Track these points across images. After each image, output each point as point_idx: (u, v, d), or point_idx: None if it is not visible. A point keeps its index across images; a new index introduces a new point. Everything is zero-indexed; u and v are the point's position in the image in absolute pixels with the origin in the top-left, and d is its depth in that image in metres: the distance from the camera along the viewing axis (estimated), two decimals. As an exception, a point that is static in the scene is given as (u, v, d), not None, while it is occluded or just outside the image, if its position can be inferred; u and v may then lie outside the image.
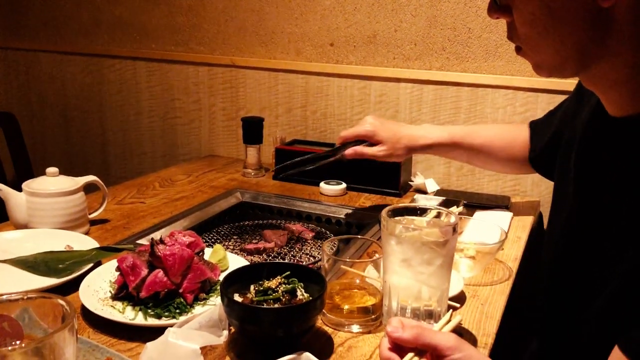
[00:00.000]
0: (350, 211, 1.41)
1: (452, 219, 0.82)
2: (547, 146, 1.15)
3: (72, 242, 1.11)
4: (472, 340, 0.85)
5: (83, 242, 1.11)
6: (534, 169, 1.24)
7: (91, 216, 1.25)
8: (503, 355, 0.98)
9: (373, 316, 0.88)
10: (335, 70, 1.69)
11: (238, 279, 0.85)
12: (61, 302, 0.59)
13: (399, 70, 1.62)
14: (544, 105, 1.49)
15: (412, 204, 0.87)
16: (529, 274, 1.18)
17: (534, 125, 1.24)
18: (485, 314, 0.93)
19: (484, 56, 1.54)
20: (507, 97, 1.53)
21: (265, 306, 0.79)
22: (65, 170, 1.23)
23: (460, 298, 0.96)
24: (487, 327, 0.89)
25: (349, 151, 1.26)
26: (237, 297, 0.83)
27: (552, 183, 1.40)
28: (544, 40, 0.74)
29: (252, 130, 1.63)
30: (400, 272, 0.81)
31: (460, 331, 0.88)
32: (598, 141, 0.86)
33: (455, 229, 0.80)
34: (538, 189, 1.54)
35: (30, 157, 2.14)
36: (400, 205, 0.86)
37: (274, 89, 1.79)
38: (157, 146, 2.02)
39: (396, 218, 0.85)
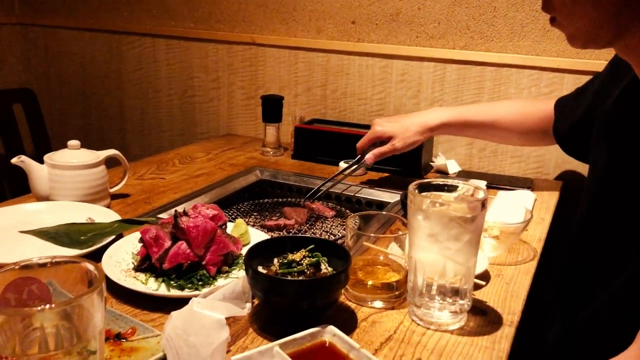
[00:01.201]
0: (370, 191, 1.40)
1: (481, 195, 0.80)
2: (578, 125, 1.12)
3: (93, 215, 1.11)
4: (497, 318, 0.84)
5: (105, 214, 1.11)
6: (562, 149, 1.22)
7: (112, 190, 1.25)
8: (528, 333, 0.97)
9: (397, 292, 0.87)
10: (356, 49, 1.67)
11: (261, 252, 0.84)
12: (89, 266, 0.59)
13: (422, 49, 1.59)
14: (569, 87, 1.46)
15: (439, 180, 0.85)
16: (553, 256, 1.16)
17: (562, 102, 1.22)
18: (511, 293, 0.91)
19: (509, 35, 1.50)
20: (532, 78, 1.50)
21: (289, 278, 0.79)
22: (84, 146, 1.23)
23: (484, 277, 0.95)
24: (512, 306, 0.88)
25: (369, 157, 1.35)
26: (260, 270, 0.82)
27: (576, 165, 1.39)
28: (578, 7, 0.72)
29: (272, 108, 1.62)
30: (427, 248, 0.80)
31: (485, 309, 0.87)
32: (633, 115, 0.85)
33: (484, 205, 0.78)
34: (561, 170, 1.51)
35: (49, 134, 2.15)
36: (426, 180, 0.84)
37: (293, 68, 1.77)
38: (176, 124, 2.02)
39: (423, 193, 0.83)
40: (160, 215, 1.18)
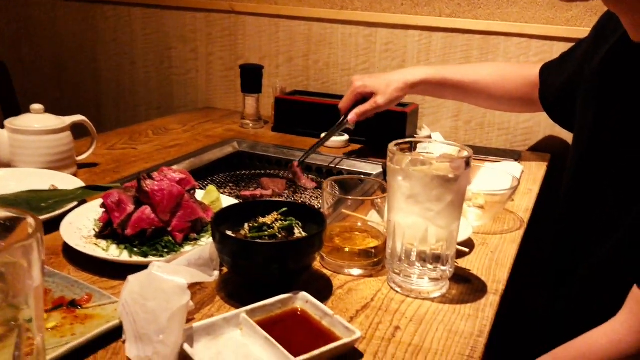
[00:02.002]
0: (352, 162, 1.34)
1: (465, 153, 0.75)
2: (564, 90, 1.08)
3: (57, 182, 1.04)
4: (481, 286, 0.79)
5: (69, 182, 1.05)
6: (549, 116, 1.17)
7: (79, 158, 1.18)
8: (516, 302, 0.93)
9: (375, 259, 0.82)
10: (339, 17, 1.60)
11: (231, 217, 0.78)
12: (29, 219, 0.53)
13: (407, 17, 1.53)
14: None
15: (421, 138, 0.80)
16: (541, 227, 1.12)
17: (548, 68, 1.17)
18: (496, 261, 0.87)
19: (497, 2, 1.45)
20: (520, 46, 1.44)
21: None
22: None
23: (468, 245, 0.90)
24: (497, 274, 0.83)
25: (351, 116, 1.29)
26: (230, 234, 0.76)
27: (565, 136, 1.34)
28: None
29: (251, 78, 1.55)
30: (407, 210, 0.74)
31: (469, 277, 0.82)
32: (620, 70, 0.81)
33: (468, 164, 0.73)
34: (550, 144, 1.47)
35: (21, 109, 2.06)
36: (408, 139, 0.79)
37: (274, 37, 1.70)
38: (153, 97, 1.94)
39: (404, 153, 0.78)
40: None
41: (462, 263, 0.85)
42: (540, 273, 1.09)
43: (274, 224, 0.75)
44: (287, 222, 0.75)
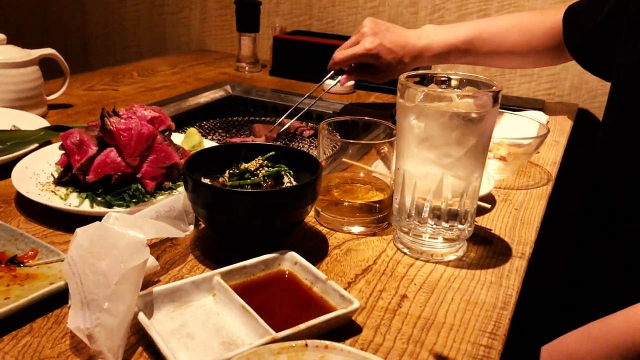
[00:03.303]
0: (356, 109, 1.21)
1: (493, 87, 0.62)
2: (598, 30, 0.93)
3: (20, 123, 0.92)
4: (505, 248, 0.67)
5: (33, 123, 0.92)
6: (579, 62, 1.02)
7: (49, 98, 1.05)
8: (540, 269, 0.81)
9: (379, 215, 0.70)
10: (346, -53, 1.44)
11: (209, 162, 0.66)
12: None
13: (423, -52, 1.36)
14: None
15: (439, 72, 0.66)
16: (569, 185, 0.99)
17: (575, 9, 1.01)
18: (521, 220, 0.74)
19: None
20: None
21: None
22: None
23: (489, 200, 0.78)
24: (523, 235, 0.70)
25: (344, 79, 1.08)
26: (207, 182, 0.64)
27: (595, 85, 1.19)
28: None
29: (247, 14, 1.40)
30: (419, 156, 0.61)
31: (490, 238, 0.70)
32: None
33: (496, 99, 0.60)
34: (577, 92, 1.32)
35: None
36: (422, 71, 0.65)
37: (274, -29, 1.54)
38: (143, 38, 1.79)
39: (417, 86, 0.64)
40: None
41: (482, 221, 0.73)
42: (568, 236, 0.96)
43: (258, 171, 0.62)
44: (275, 169, 0.63)
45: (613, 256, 0.79)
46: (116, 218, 0.55)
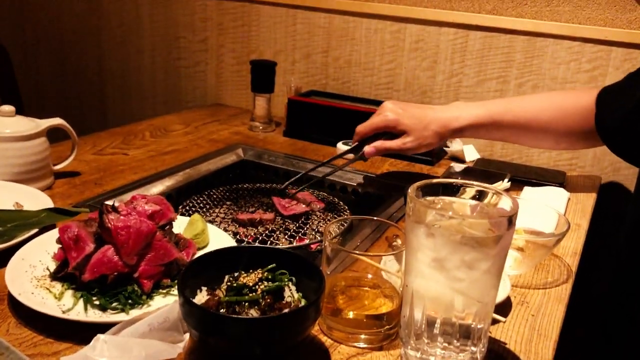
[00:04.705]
0: (371, 178, 1.18)
1: (508, 204, 0.58)
2: (629, 119, 0.89)
3: (23, 199, 0.90)
4: (520, 370, 0.63)
5: (37, 200, 0.90)
6: (610, 148, 0.98)
7: (57, 167, 1.04)
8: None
9: (387, 327, 0.66)
10: (364, 9, 1.42)
11: (209, 267, 0.63)
12: None
13: (441, 12, 1.34)
14: (617, 63, 1.21)
15: (450, 180, 0.63)
16: (592, 274, 0.94)
17: (609, 91, 0.97)
18: (538, 331, 0.69)
19: (547, -1, 1.25)
20: (571, 51, 1.25)
21: (237, 310, 0.57)
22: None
23: (504, 305, 0.73)
24: (540, 350, 0.66)
25: (369, 149, 1.07)
26: (203, 294, 0.61)
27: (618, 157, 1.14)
28: None
29: (262, 75, 1.39)
30: (429, 276, 0.58)
31: (503, 354, 0.65)
32: None
33: (511, 221, 0.56)
34: (600, 164, 1.27)
35: (22, 96, 1.94)
36: (435, 180, 0.62)
37: (291, 30, 1.53)
38: (159, 90, 1.79)
39: (428, 199, 0.61)
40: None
41: (496, 332, 0.69)
42: (591, 339, 0.91)
43: (257, 286, 0.59)
44: (275, 285, 0.59)
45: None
46: (105, 341, 0.52)
